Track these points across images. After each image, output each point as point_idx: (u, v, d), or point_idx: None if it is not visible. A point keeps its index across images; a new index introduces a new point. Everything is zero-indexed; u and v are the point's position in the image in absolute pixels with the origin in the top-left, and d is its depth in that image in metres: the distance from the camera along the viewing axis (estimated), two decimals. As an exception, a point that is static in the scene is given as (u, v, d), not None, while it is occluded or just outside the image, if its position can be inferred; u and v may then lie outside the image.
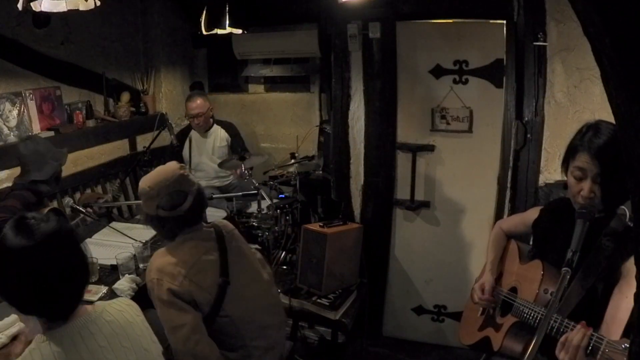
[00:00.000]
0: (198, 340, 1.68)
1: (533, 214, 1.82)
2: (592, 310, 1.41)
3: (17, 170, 2.81)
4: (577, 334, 1.26)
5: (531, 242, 1.83)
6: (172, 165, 1.85)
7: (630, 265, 1.36)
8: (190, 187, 1.82)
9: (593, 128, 1.45)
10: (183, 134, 3.92)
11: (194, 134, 3.88)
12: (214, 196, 3.12)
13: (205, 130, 3.86)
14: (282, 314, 2.06)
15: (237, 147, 3.95)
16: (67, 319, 1.24)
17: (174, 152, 3.73)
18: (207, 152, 3.88)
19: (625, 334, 1.29)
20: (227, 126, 4.00)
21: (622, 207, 1.47)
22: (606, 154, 1.38)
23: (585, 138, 1.44)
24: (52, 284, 1.20)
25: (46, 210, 2.60)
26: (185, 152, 3.86)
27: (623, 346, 1.18)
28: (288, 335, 2.59)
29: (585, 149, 1.42)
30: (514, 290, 1.72)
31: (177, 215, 1.77)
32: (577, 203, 1.46)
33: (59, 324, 1.23)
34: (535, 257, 1.69)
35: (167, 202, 1.76)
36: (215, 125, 3.91)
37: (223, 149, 3.90)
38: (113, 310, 1.35)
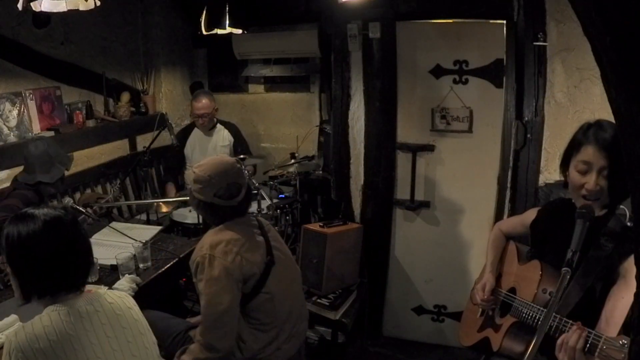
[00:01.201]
0: (228, 321, 1.80)
1: (531, 214, 1.82)
2: (590, 310, 1.41)
3: (16, 170, 2.81)
4: (573, 336, 1.27)
5: (530, 243, 1.83)
6: (229, 158, 2.02)
7: (628, 265, 1.36)
8: (244, 180, 1.98)
9: (595, 124, 1.45)
10: (185, 132, 3.93)
11: (196, 132, 3.89)
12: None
13: (208, 129, 3.87)
14: (306, 310, 2.20)
15: (239, 148, 3.98)
16: (78, 292, 1.37)
17: (174, 152, 3.74)
18: (210, 151, 3.89)
19: (624, 332, 1.29)
20: (230, 127, 4.03)
21: (622, 207, 1.47)
22: (612, 147, 1.37)
23: (590, 132, 1.43)
24: (62, 263, 1.32)
25: None
26: (188, 150, 3.87)
27: (620, 342, 1.18)
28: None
29: (591, 142, 1.41)
30: (512, 290, 1.72)
31: (231, 205, 1.91)
32: (581, 198, 1.45)
33: (64, 298, 1.34)
34: (533, 257, 1.69)
35: (225, 191, 1.90)
36: (218, 125, 3.94)
37: (225, 149, 3.92)
38: (114, 295, 1.46)
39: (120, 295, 1.48)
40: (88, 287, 1.44)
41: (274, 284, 1.92)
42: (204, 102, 3.73)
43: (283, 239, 3.15)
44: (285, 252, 2.10)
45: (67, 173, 3.33)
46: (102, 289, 1.50)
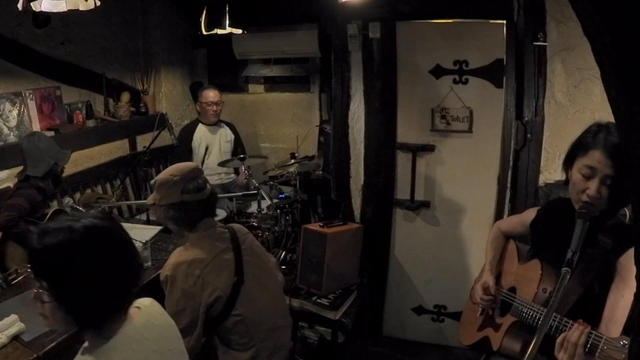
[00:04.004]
0: (185, 337, 1.73)
1: (530, 214, 1.81)
2: (589, 308, 1.41)
3: (16, 170, 2.82)
4: (575, 332, 1.26)
5: (530, 243, 1.83)
6: (186, 162, 1.99)
7: (624, 261, 1.36)
8: (205, 177, 1.94)
9: (605, 128, 1.41)
10: (190, 127, 3.94)
11: (201, 127, 3.90)
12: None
13: (214, 123, 3.93)
14: (289, 316, 2.11)
15: (239, 148, 4.01)
16: (123, 316, 1.17)
17: (181, 147, 3.74)
18: (215, 145, 3.93)
19: (625, 332, 1.29)
20: (230, 125, 4.08)
21: (622, 207, 1.46)
22: (621, 155, 1.35)
23: (599, 136, 1.39)
24: (121, 278, 1.13)
25: (50, 212, 2.60)
26: (195, 144, 3.88)
27: (621, 343, 1.17)
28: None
29: (600, 147, 1.38)
30: (512, 290, 1.72)
31: (200, 199, 1.86)
32: (580, 201, 1.44)
33: (111, 330, 1.13)
34: (533, 257, 1.69)
35: (193, 186, 1.86)
36: (220, 122, 3.97)
37: (228, 145, 4.01)
38: (157, 313, 1.29)
39: (162, 312, 1.32)
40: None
41: (245, 305, 1.84)
42: (216, 92, 3.86)
43: (283, 240, 3.19)
44: (262, 265, 2.00)
45: (66, 172, 3.34)
46: (146, 308, 1.26)
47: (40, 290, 1.07)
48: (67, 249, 1.05)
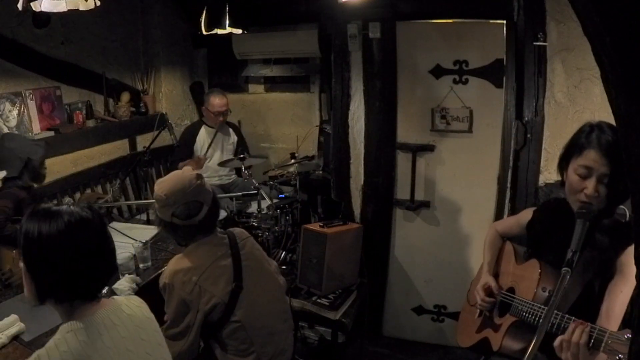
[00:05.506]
0: (181, 341, 1.77)
1: (527, 215, 1.82)
2: (590, 306, 1.41)
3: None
4: (575, 332, 1.26)
5: (526, 243, 1.83)
6: (189, 174, 1.86)
7: (624, 259, 1.37)
8: (206, 196, 1.85)
9: (598, 127, 1.42)
10: (193, 129, 3.92)
11: (204, 130, 3.89)
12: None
13: (219, 128, 3.89)
14: (291, 320, 2.09)
15: (239, 148, 4.01)
16: (96, 299, 1.28)
17: (182, 147, 3.74)
18: (218, 148, 3.91)
19: (623, 327, 1.29)
20: (234, 126, 4.07)
21: (622, 206, 1.46)
22: (615, 153, 1.36)
23: (593, 136, 1.41)
24: (86, 268, 1.23)
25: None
26: (197, 147, 3.87)
27: (625, 337, 1.17)
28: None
29: (594, 146, 1.39)
30: (511, 290, 1.73)
31: (191, 224, 1.81)
32: (578, 202, 1.45)
33: (82, 311, 1.24)
34: (531, 257, 1.69)
35: (183, 212, 1.80)
36: (224, 125, 3.96)
37: (231, 147, 3.99)
38: (132, 304, 1.37)
39: (138, 304, 1.39)
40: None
41: (244, 311, 1.82)
42: (225, 100, 3.79)
43: (283, 240, 3.19)
44: (262, 270, 1.99)
45: (66, 172, 3.34)
46: (119, 298, 1.39)
47: (20, 256, 1.25)
48: (39, 237, 1.20)
